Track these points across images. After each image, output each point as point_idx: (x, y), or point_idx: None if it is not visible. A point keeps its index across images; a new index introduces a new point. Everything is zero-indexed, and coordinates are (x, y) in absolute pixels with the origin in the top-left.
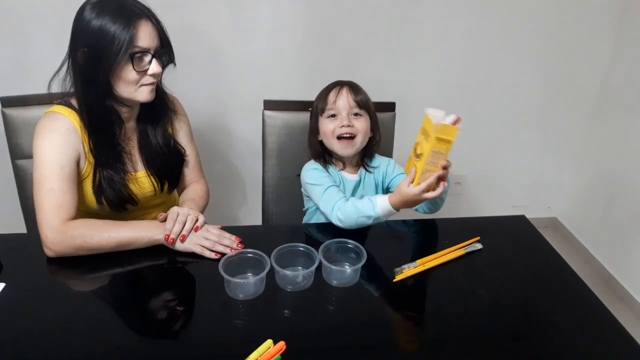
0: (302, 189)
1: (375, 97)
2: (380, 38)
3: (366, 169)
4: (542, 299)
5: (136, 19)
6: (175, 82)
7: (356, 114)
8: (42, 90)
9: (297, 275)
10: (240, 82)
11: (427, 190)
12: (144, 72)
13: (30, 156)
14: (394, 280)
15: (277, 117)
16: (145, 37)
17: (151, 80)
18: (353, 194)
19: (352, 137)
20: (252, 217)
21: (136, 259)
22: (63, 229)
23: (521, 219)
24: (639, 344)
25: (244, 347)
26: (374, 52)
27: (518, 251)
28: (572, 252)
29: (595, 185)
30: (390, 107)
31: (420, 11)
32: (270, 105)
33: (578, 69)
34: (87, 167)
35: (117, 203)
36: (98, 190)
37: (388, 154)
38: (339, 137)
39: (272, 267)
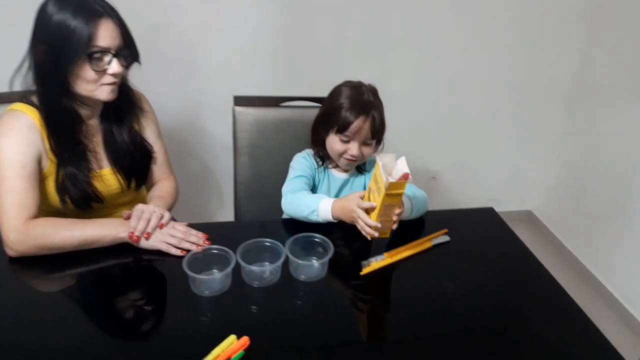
0: None
1: None
2: (355, 34)
3: (359, 170)
4: (509, 289)
5: (96, 18)
6: (147, 80)
7: (368, 143)
8: (3, 88)
9: (263, 271)
10: (213, 80)
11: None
12: (103, 72)
13: None
14: (361, 274)
15: (248, 113)
16: (105, 36)
17: (112, 79)
18: (339, 191)
19: (356, 160)
20: (226, 214)
21: (101, 258)
22: (24, 229)
23: (490, 211)
24: (602, 332)
25: (209, 344)
26: (347, 48)
27: (486, 243)
28: (546, 244)
29: (568, 179)
30: None
31: (395, 8)
32: (240, 101)
33: (550, 64)
34: (49, 166)
35: (81, 201)
36: (61, 188)
37: None
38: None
39: (238, 263)
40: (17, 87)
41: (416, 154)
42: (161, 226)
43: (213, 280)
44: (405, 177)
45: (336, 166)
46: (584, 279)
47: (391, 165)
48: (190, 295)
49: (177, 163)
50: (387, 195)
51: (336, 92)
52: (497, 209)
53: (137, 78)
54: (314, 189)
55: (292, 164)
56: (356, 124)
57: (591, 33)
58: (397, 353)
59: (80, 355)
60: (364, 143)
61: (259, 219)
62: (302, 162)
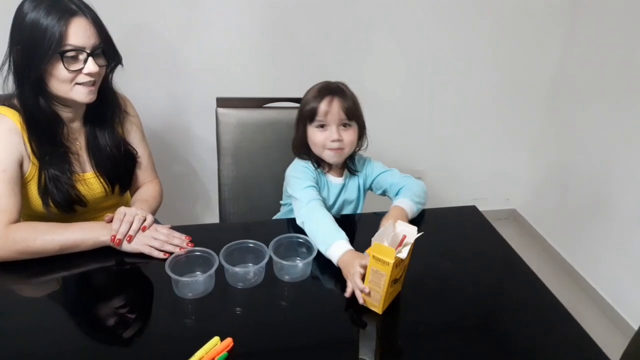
0: (284, 183)
1: None
2: (337, 36)
3: (350, 172)
4: (491, 285)
5: (69, 16)
6: (131, 82)
7: (345, 125)
8: None
9: (247, 272)
10: (197, 81)
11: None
12: (78, 71)
13: None
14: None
15: (231, 115)
16: (78, 34)
17: (88, 79)
18: (337, 197)
19: (340, 148)
20: (211, 216)
21: (83, 261)
22: (5, 233)
23: (471, 209)
24: (581, 325)
25: (192, 346)
26: (331, 49)
27: (468, 240)
28: (530, 241)
29: (551, 177)
30: None
31: (376, 10)
32: (223, 102)
33: (532, 64)
34: (31, 169)
35: (64, 204)
36: (44, 191)
37: None
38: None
39: (222, 265)
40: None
41: (401, 154)
42: (143, 229)
43: (196, 283)
44: (400, 243)
45: (329, 171)
46: (568, 276)
47: (398, 229)
48: (173, 297)
49: (162, 165)
50: (373, 257)
51: (307, 90)
52: (482, 208)
53: (120, 79)
54: None
55: (293, 173)
56: (323, 105)
57: (571, 34)
58: (383, 351)
59: (63, 358)
60: (341, 125)
61: (243, 220)
62: (305, 170)
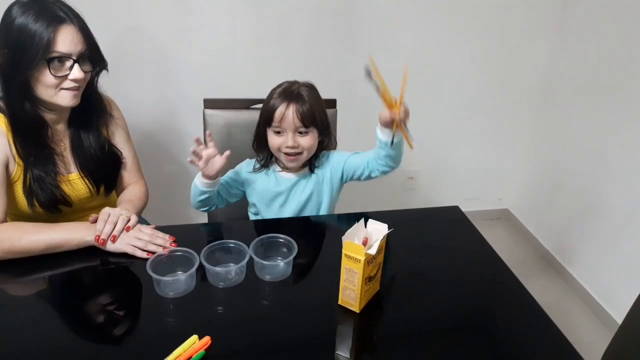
0: None
1: (322, 94)
2: (326, 35)
3: (311, 170)
4: (469, 285)
5: (57, 23)
6: (122, 84)
7: (302, 132)
8: None
9: (228, 272)
10: (187, 82)
11: None
12: (64, 77)
13: None
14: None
15: (218, 116)
16: (65, 41)
17: (72, 84)
18: (290, 192)
19: (298, 154)
20: (200, 215)
21: (68, 261)
22: None
23: (454, 210)
24: (555, 324)
25: (173, 344)
26: (319, 49)
27: (448, 240)
28: (522, 241)
29: (543, 177)
30: (331, 103)
31: (366, 9)
32: (210, 103)
33: (523, 64)
34: (16, 170)
35: (49, 204)
36: (29, 192)
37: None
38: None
39: (203, 265)
40: None
41: None
42: (127, 229)
43: (177, 282)
44: (364, 242)
45: (285, 168)
46: (559, 275)
47: (369, 228)
48: (155, 297)
49: (151, 165)
50: (345, 255)
51: (272, 90)
52: (474, 208)
53: (112, 80)
54: (253, 193)
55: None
56: (279, 110)
57: (561, 34)
58: (359, 349)
59: (45, 357)
60: (297, 132)
61: (231, 219)
62: (240, 167)
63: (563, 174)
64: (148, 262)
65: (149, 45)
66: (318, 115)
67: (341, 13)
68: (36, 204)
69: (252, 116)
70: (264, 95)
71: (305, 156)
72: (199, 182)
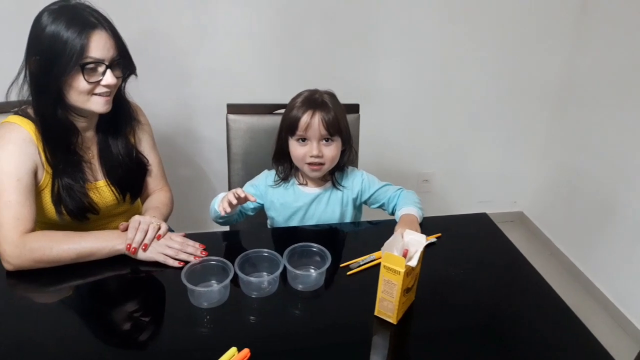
0: None
1: (342, 98)
2: (344, 40)
3: (335, 186)
4: (502, 293)
5: (90, 29)
6: (139, 87)
7: (327, 140)
8: None
9: (261, 282)
10: (205, 86)
11: None
12: (96, 83)
13: None
14: (348, 274)
15: (241, 121)
16: (98, 47)
17: (104, 90)
18: (309, 207)
19: (321, 164)
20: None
21: (98, 270)
22: (21, 242)
23: (483, 217)
24: (591, 331)
25: (209, 356)
26: (339, 53)
27: (479, 247)
28: (538, 245)
29: (559, 180)
30: (354, 109)
31: (383, 13)
32: (233, 109)
33: (539, 65)
34: (45, 178)
35: (77, 212)
36: (57, 199)
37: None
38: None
39: (236, 274)
40: (14, 97)
41: (407, 157)
42: (158, 237)
43: (212, 292)
44: (404, 253)
45: (305, 183)
46: (575, 279)
47: (407, 238)
48: (188, 307)
49: (171, 169)
50: (384, 267)
51: (292, 98)
52: (488, 211)
53: (130, 84)
54: (272, 207)
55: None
56: (304, 119)
57: (579, 34)
58: (397, 357)
59: None
60: (322, 141)
61: (252, 226)
62: (259, 179)
63: (579, 176)
64: (182, 272)
65: (168, 48)
66: (342, 124)
67: (360, 16)
68: (64, 211)
69: (275, 121)
70: (281, 99)
71: (327, 167)
72: (220, 209)
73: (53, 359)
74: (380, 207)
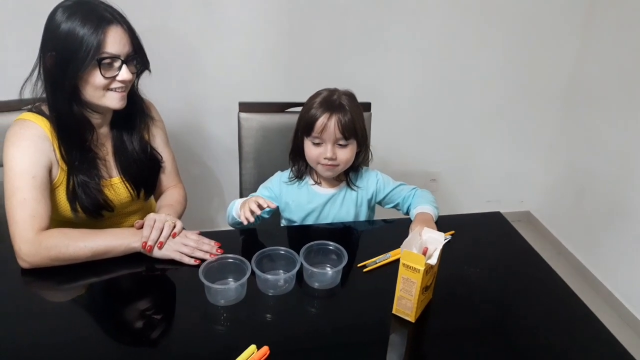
0: None
1: None
2: (354, 38)
3: (350, 186)
4: (519, 292)
5: (105, 25)
6: (149, 85)
7: (341, 144)
8: (7, 96)
9: (278, 279)
10: (215, 84)
11: None
12: (112, 78)
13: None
14: (364, 271)
15: (253, 119)
16: (114, 43)
17: (120, 85)
18: (324, 207)
19: (335, 165)
20: None
21: (113, 268)
22: (37, 240)
23: (496, 215)
24: (611, 332)
25: (227, 354)
26: (348, 52)
27: (494, 247)
28: (545, 244)
29: (566, 179)
30: (366, 107)
31: (393, 11)
32: (245, 107)
33: (548, 65)
34: (60, 175)
35: (92, 209)
36: (72, 196)
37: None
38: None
39: (253, 272)
40: (27, 95)
41: (415, 156)
42: (173, 235)
43: (229, 290)
44: (424, 251)
45: (318, 183)
46: (583, 279)
47: (425, 236)
48: (205, 304)
49: (181, 168)
50: (403, 265)
51: (310, 97)
52: (495, 210)
53: (140, 81)
54: (287, 208)
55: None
56: (320, 121)
57: (588, 33)
58: (414, 356)
59: None
60: (337, 144)
61: (268, 224)
62: (271, 183)
63: (586, 176)
64: (200, 269)
65: (177, 46)
66: (359, 127)
67: (369, 15)
68: (79, 209)
69: (287, 120)
70: (291, 97)
71: (341, 168)
72: (236, 215)
73: (68, 357)
74: (395, 207)
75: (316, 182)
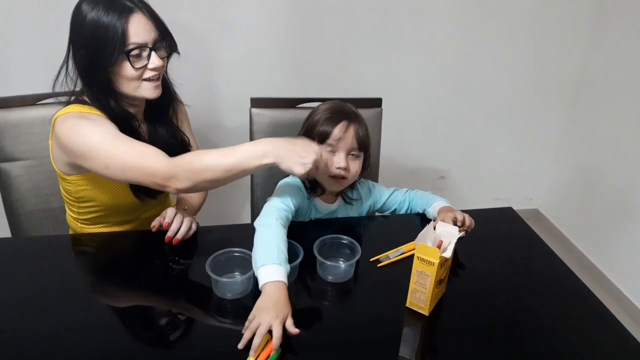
0: None
1: (360, 93)
2: (364, 34)
3: (345, 200)
4: (532, 287)
5: (127, 15)
6: None
7: (354, 155)
8: (21, 91)
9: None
10: (226, 80)
11: None
12: (143, 68)
13: (13, 159)
14: (378, 266)
15: (265, 115)
16: (139, 31)
17: (153, 74)
18: None
19: (344, 177)
20: (242, 216)
21: (122, 261)
22: (171, 162)
23: (508, 211)
24: (626, 328)
25: (235, 346)
26: (358, 48)
27: (506, 242)
28: (553, 241)
29: (575, 177)
30: (376, 103)
31: (403, 7)
32: (257, 102)
33: (556, 62)
34: None
35: (152, 192)
36: None
37: (375, 150)
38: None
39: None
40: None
41: (424, 154)
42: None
43: (235, 283)
44: (439, 245)
45: (320, 195)
46: (592, 276)
47: (439, 230)
48: (212, 298)
49: None
50: (417, 258)
51: (314, 109)
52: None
53: None
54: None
55: (281, 184)
56: (339, 128)
57: (595, 32)
58: (424, 351)
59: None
60: (350, 154)
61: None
62: (289, 188)
63: (595, 173)
64: (207, 263)
65: (187, 42)
66: (368, 141)
67: (379, 12)
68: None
69: (298, 115)
70: (302, 93)
71: (348, 182)
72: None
73: (78, 351)
74: (394, 211)
75: (318, 195)
